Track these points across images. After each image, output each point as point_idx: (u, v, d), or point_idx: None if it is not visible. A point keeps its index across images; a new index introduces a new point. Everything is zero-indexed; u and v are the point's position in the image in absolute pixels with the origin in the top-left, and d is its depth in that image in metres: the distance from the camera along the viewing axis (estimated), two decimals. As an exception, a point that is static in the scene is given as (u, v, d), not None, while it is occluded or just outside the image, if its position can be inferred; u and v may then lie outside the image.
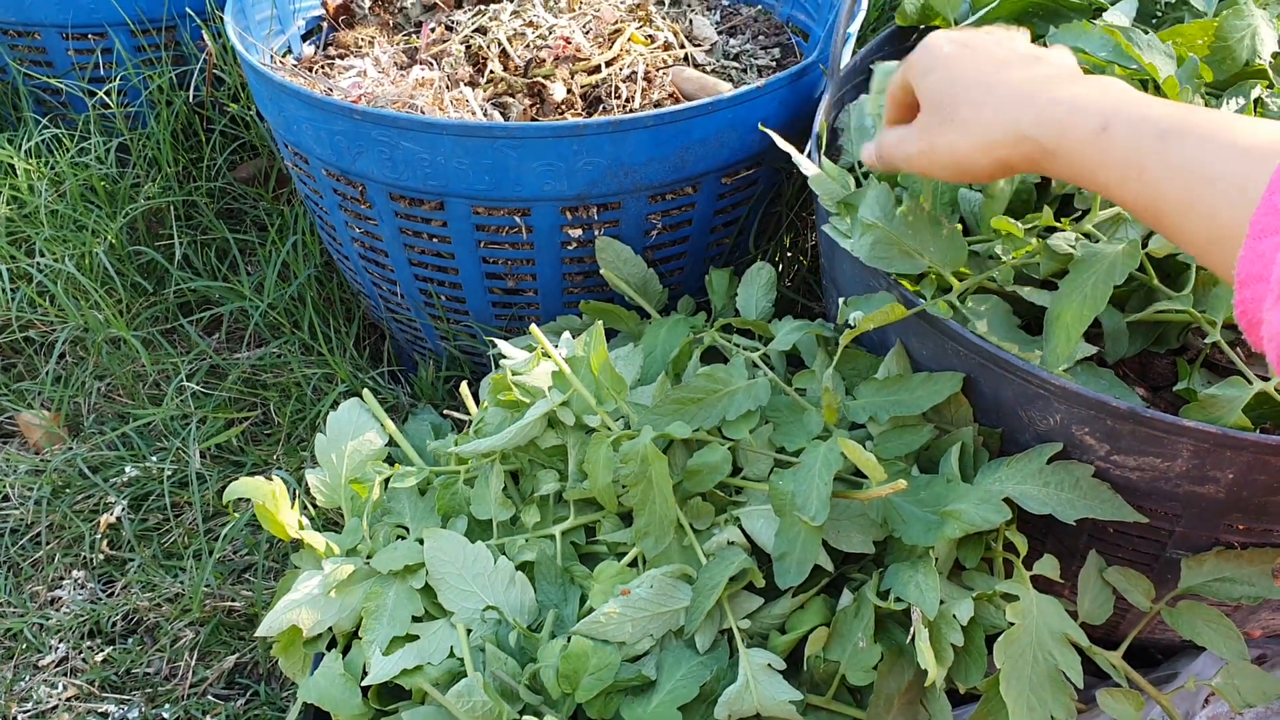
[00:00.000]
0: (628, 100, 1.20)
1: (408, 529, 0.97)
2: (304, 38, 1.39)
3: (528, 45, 1.24)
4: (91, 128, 1.58)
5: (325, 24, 1.41)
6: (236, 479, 0.94)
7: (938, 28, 1.12)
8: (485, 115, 1.18)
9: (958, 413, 0.83)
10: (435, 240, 1.15)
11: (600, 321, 0.93)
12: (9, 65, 1.64)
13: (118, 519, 1.29)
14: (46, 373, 1.45)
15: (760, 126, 1.08)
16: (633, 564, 0.88)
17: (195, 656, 1.18)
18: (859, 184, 0.95)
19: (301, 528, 0.96)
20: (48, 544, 1.30)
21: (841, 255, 0.89)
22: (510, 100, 1.20)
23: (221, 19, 1.34)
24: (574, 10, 1.30)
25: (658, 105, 1.20)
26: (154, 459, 1.35)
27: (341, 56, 1.34)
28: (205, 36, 1.54)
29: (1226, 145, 0.55)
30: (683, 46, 1.31)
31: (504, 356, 0.98)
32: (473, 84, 1.23)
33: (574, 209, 1.10)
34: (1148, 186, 0.58)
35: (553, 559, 0.90)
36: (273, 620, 0.89)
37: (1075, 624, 0.78)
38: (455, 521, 0.95)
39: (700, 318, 1.09)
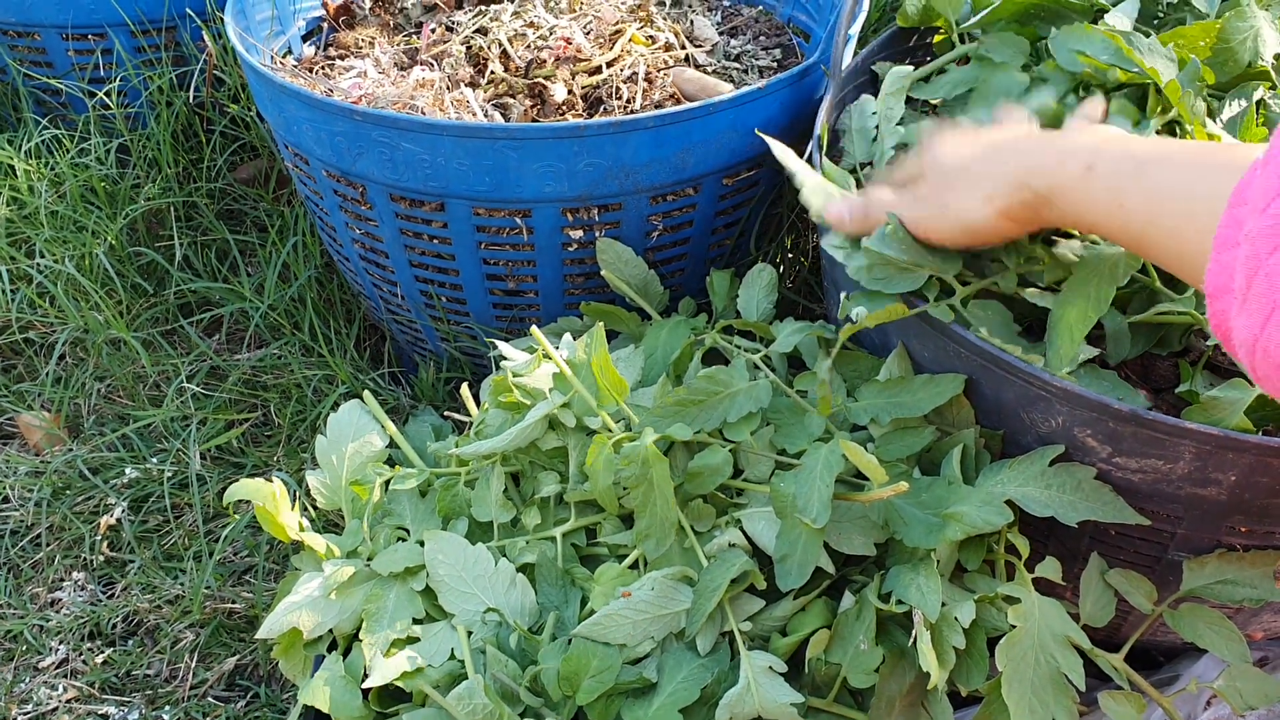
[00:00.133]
0: (629, 101, 1.20)
1: (408, 531, 0.97)
2: (304, 38, 1.39)
3: (528, 46, 1.24)
4: (91, 128, 1.58)
5: (325, 25, 1.41)
6: (237, 480, 0.94)
7: (939, 29, 1.12)
8: (486, 116, 1.18)
9: (959, 415, 0.82)
10: (436, 241, 1.15)
11: (601, 323, 0.92)
12: (9, 66, 1.64)
13: (118, 520, 1.29)
14: (46, 374, 1.45)
15: (757, 132, 1.07)
16: (634, 566, 0.88)
17: (195, 658, 1.18)
18: (859, 186, 0.95)
19: (302, 529, 0.96)
20: (48, 545, 1.30)
21: (843, 257, 0.89)
22: (511, 101, 1.20)
23: (222, 19, 1.34)
24: (575, 11, 1.30)
25: (659, 106, 1.20)
26: (154, 460, 1.35)
27: (342, 57, 1.34)
28: (205, 37, 1.54)
29: (1197, 166, 0.59)
30: (684, 47, 1.31)
31: (505, 358, 0.98)
32: (473, 85, 1.23)
33: (575, 210, 1.10)
34: (1129, 215, 0.62)
35: (554, 561, 0.90)
36: (273, 622, 0.89)
37: (1077, 626, 0.78)
38: (456, 523, 0.95)
39: (701, 319, 1.09)
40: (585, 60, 1.22)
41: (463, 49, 1.26)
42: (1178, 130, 0.87)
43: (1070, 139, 0.70)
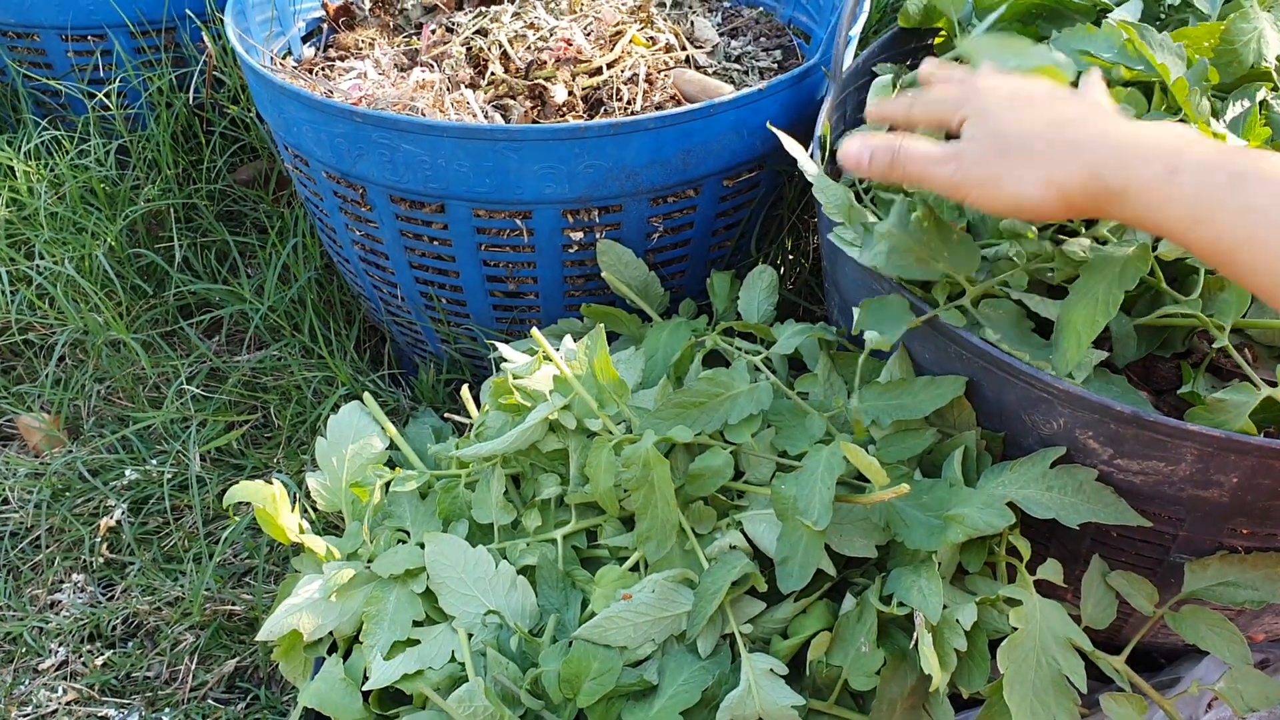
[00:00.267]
0: (629, 102, 1.20)
1: (408, 533, 0.97)
2: (304, 39, 1.39)
3: (529, 47, 1.24)
4: (91, 130, 1.58)
5: (325, 26, 1.41)
6: (237, 482, 0.94)
7: (940, 30, 1.12)
8: (486, 117, 1.18)
9: (961, 417, 0.82)
10: (436, 243, 1.15)
11: (601, 324, 0.92)
12: (8, 67, 1.64)
13: (118, 522, 1.29)
14: (46, 375, 1.44)
15: (769, 125, 1.07)
16: (634, 568, 0.88)
17: (195, 660, 1.18)
18: (859, 199, 0.95)
19: (302, 531, 0.96)
20: (47, 547, 1.30)
21: (844, 259, 0.89)
22: (511, 102, 1.20)
23: (221, 21, 1.34)
24: (575, 12, 1.30)
25: (659, 107, 1.20)
26: (154, 462, 1.35)
27: (342, 58, 1.34)
28: (205, 38, 1.54)
29: None
30: (684, 48, 1.31)
31: (505, 360, 0.97)
32: (473, 86, 1.22)
33: (575, 211, 1.10)
34: (1219, 231, 0.59)
35: (554, 563, 0.89)
36: (273, 624, 0.89)
37: (1078, 628, 0.78)
38: (456, 525, 0.95)
39: (702, 321, 1.09)
40: (586, 61, 1.22)
41: (463, 50, 1.26)
42: None
43: (1150, 134, 0.64)
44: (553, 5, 1.32)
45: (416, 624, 0.88)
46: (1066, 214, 0.67)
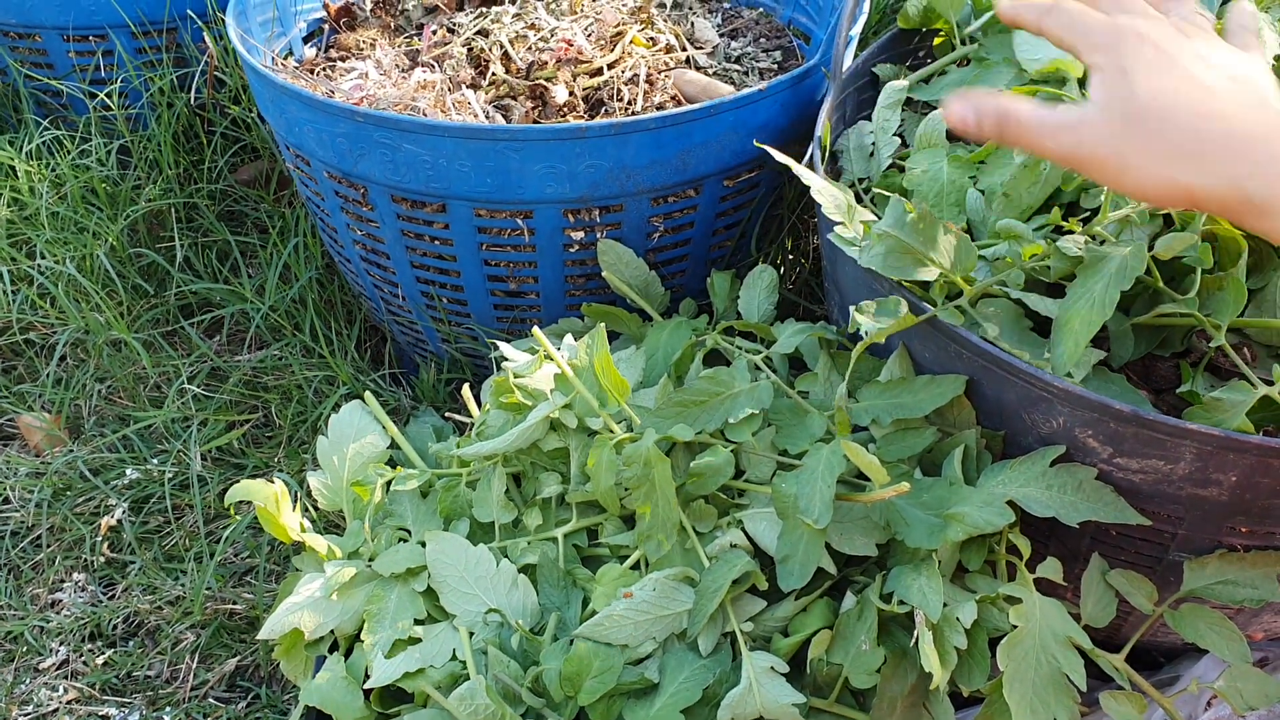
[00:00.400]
0: (630, 103, 1.20)
1: (409, 532, 0.97)
2: (305, 40, 1.39)
3: (530, 47, 1.24)
4: (92, 130, 1.58)
5: (327, 26, 1.41)
6: (238, 481, 0.94)
7: (939, 31, 1.13)
8: (487, 117, 1.18)
9: (960, 415, 0.83)
10: (437, 243, 1.15)
11: (602, 324, 0.93)
12: (10, 67, 1.64)
13: (118, 521, 1.29)
14: (47, 375, 1.45)
15: (756, 144, 1.08)
16: (635, 567, 0.88)
17: (196, 659, 1.18)
18: (859, 200, 0.95)
19: (303, 530, 0.96)
20: (48, 546, 1.30)
21: (844, 259, 0.89)
22: (512, 102, 1.20)
23: (223, 21, 1.34)
24: (576, 13, 1.30)
25: (660, 108, 1.20)
26: (155, 461, 1.35)
27: (343, 59, 1.34)
28: (206, 38, 1.54)
29: None
30: (684, 49, 1.31)
31: (506, 359, 0.98)
32: (475, 86, 1.23)
33: (576, 211, 1.10)
34: None
35: (555, 562, 0.90)
36: (274, 623, 0.89)
37: (1078, 627, 0.78)
38: (457, 524, 0.95)
39: (702, 320, 1.09)
40: (586, 62, 1.22)
41: (464, 50, 1.26)
42: None
43: None
44: (554, 6, 1.32)
45: (418, 622, 0.88)
46: (1188, 209, 0.62)
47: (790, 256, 1.41)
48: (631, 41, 1.26)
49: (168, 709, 1.14)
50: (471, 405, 1.05)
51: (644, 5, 1.32)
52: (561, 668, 0.81)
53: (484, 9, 1.34)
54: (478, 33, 1.28)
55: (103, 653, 1.19)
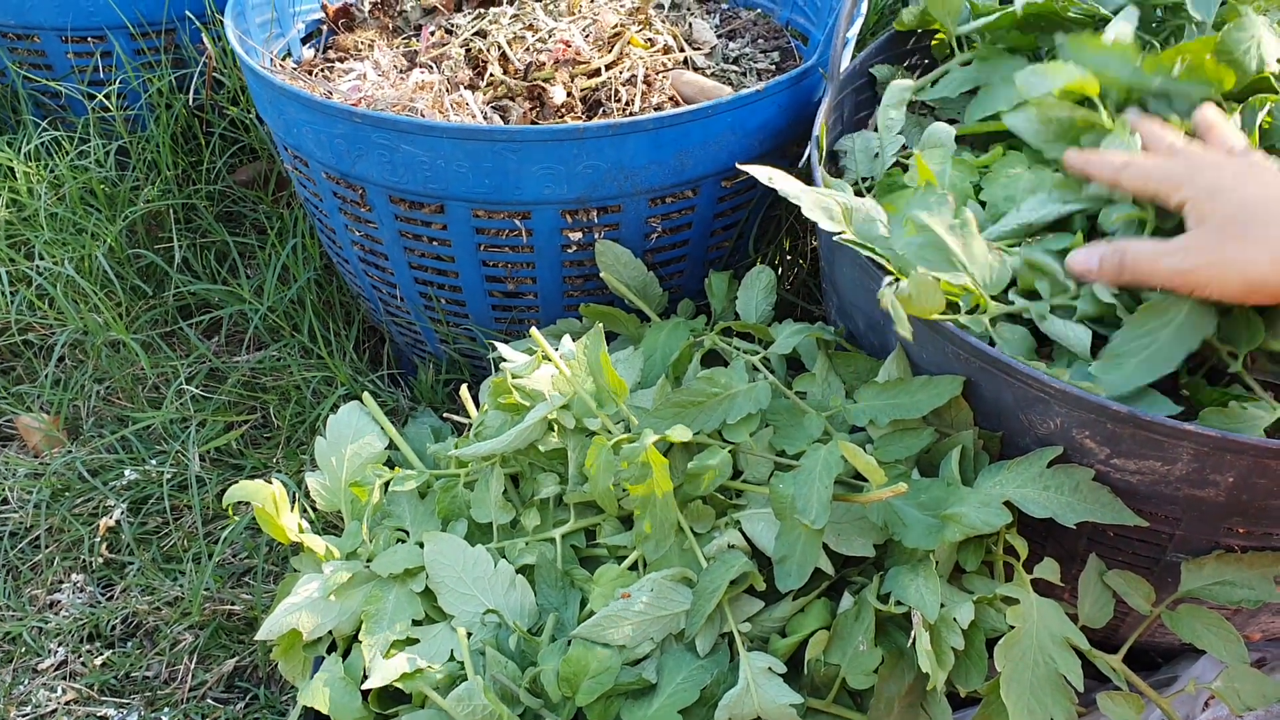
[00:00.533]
0: (627, 103, 1.20)
1: (408, 532, 0.97)
2: (303, 41, 1.39)
3: (527, 48, 1.24)
4: (91, 131, 1.58)
5: (325, 27, 1.41)
6: (236, 482, 0.94)
7: (936, 32, 1.13)
8: (485, 118, 1.18)
9: (958, 416, 0.83)
10: (435, 243, 1.15)
11: (600, 324, 0.93)
12: (8, 68, 1.64)
13: (117, 522, 1.29)
14: (45, 376, 1.45)
15: (738, 165, 1.07)
16: (633, 567, 0.88)
17: (195, 660, 1.18)
18: (860, 196, 0.95)
19: (301, 531, 0.96)
20: (47, 547, 1.30)
21: (842, 259, 0.89)
22: (510, 103, 1.20)
23: (221, 22, 1.34)
24: (574, 13, 1.30)
25: (658, 109, 1.20)
26: (153, 462, 1.35)
27: (341, 60, 1.34)
28: (205, 39, 1.54)
29: None
30: (682, 50, 1.31)
31: (504, 359, 0.98)
32: (473, 87, 1.23)
33: (574, 212, 1.10)
34: None
35: (553, 562, 0.90)
36: (273, 624, 0.89)
37: (1075, 627, 0.79)
38: (455, 525, 0.95)
39: (700, 321, 1.09)
40: (584, 63, 1.22)
41: (462, 51, 1.26)
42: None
43: None
44: (551, 7, 1.32)
45: (416, 623, 0.88)
46: None
47: (788, 257, 1.41)
48: (629, 42, 1.26)
49: (166, 710, 1.14)
50: (470, 406, 1.05)
51: (642, 6, 1.32)
52: (559, 668, 0.81)
53: (482, 10, 1.34)
54: (476, 34, 1.29)
55: (101, 653, 1.19)
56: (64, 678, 1.18)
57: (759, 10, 1.47)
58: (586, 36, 1.26)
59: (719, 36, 1.38)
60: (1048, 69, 0.87)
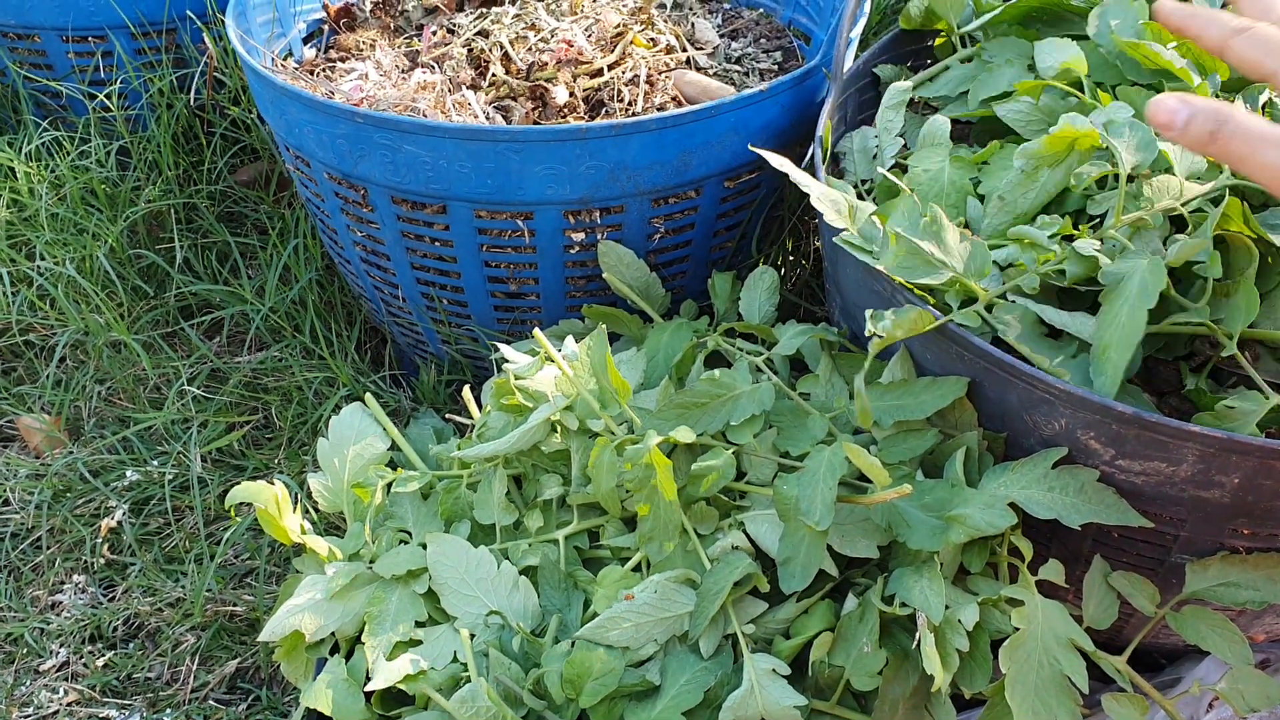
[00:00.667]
0: (630, 103, 1.20)
1: (410, 533, 0.97)
2: (305, 41, 1.39)
3: (530, 48, 1.24)
4: (92, 131, 1.58)
5: (326, 27, 1.41)
6: (238, 483, 0.94)
7: (940, 32, 1.13)
8: (487, 118, 1.18)
9: (962, 417, 0.82)
10: (437, 244, 1.15)
11: (603, 325, 0.93)
12: (9, 68, 1.64)
13: (118, 523, 1.29)
14: (47, 376, 1.44)
15: (751, 147, 1.07)
16: (636, 569, 0.88)
17: (197, 661, 1.18)
18: (861, 199, 0.95)
19: (304, 532, 0.96)
20: (48, 548, 1.30)
21: (845, 260, 0.89)
22: (512, 103, 1.20)
23: (222, 22, 1.34)
24: (576, 13, 1.30)
25: (660, 109, 1.20)
26: (155, 463, 1.35)
27: (343, 59, 1.34)
28: (206, 39, 1.54)
29: None
30: (685, 50, 1.31)
31: (506, 360, 0.97)
32: (475, 87, 1.23)
33: (576, 212, 1.10)
34: None
35: (556, 564, 0.90)
36: (275, 625, 0.89)
37: (1080, 629, 0.78)
38: (458, 526, 0.95)
39: (703, 322, 1.09)
40: (587, 63, 1.22)
41: (464, 51, 1.26)
42: None
43: None
44: (554, 6, 1.32)
45: (418, 624, 0.88)
46: None
47: (791, 258, 1.41)
48: (632, 42, 1.26)
49: (168, 711, 1.14)
50: (472, 407, 1.05)
51: (644, 6, 1.32)
52: (563, 670, 0.81)
53: (484, 9, 1.34)
54: (478, 33, 1.28)
55: (103, 654, 1.19)
56: (66, 679, 1.18)
57: (761, 10, 1.47)
58: (589, 36, 1.25)
59: (721, 36, 1.38)
60: (1061, 44, 0.87)
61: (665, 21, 1.34)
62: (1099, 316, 0.75)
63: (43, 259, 1.47)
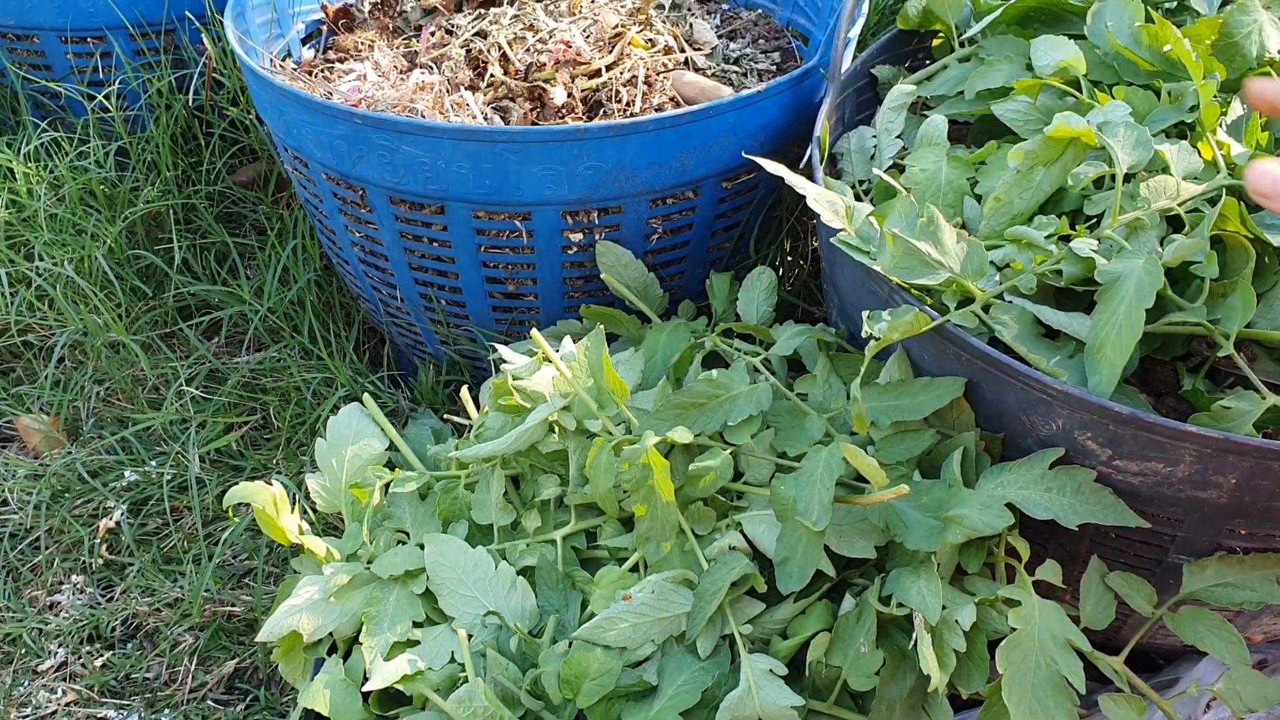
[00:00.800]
0: (628, 104, 1.20)
1: (408, 534, 0.97)
2: (303, 41, 1.39)
3: (528, 49, 1.24)
4: (90, 131, 1.58)
5: (325, 28, 1.41)
6: (236, 484, 0.94)
7: (938, 32, 1.13)
8: (486, 119, 1.18)
9: (960, 418, 0.82)
10: (435, 244, 1.15)
11: (601, 326, 0.93)
12: (8, 69, 1.64)
13: (117, 523, 1.29)
14: (45, 377, 1.44)
15: (745, 155, 1.08)
16: (634, 569, 0.88)
17: (195, 661, 1.18)
18: (859, 199, 0.95)
19: (301, 533, 0.96)
20: (47, 549, 1.30)
21: (843, 261, 0.89)
22: (511, 104, 1.20)
23: (221, 22, 1.34)
24: (574, 14, 1.30)
25: (658, 109, 1.20)
26: (153, 463, 1.35)
27: (341, 60, 1.34)
28: (205, 40, 1.54)
29: None
30: (683, 50, 1.31)
31: (504, 361, 0.98)
32: (473, 88, 1.23)
33: (574, 213, 1.10)
34: None
35: (554, 564, 0.90)
36: (273, 625, 0.89)
37: (1077, 629, 0.78)
38: (456, 526, 0.95)
39: (701, 322, 1.09)
40: (585, 63, 1.22)
41: (462, 52, 1.26)
42: (1187, 133, 0.87)
43: None
44: (552, 7, 1.32)
45: (416, 625, 0.88)
46: None
47: (789, 258, 1.41)
48: (630, 43, 1.26)
49: (166, 711, 1.14)
50: (470, 407, 1.05)
51: (642, 6, 1.32)
52: (560, 670, 0.81)
53: (482, 10, 1.34)
54: (476, 34, 1.28)
55: (101, 655, 1.19)
56: (64, 679, 1.17)
57: (760, 11, 1.47)
58: (587, 37, 1.25)
59: (720, 37, 1.38)
60: (1057, 41, 0.87)
61: (663, 22, 1.34)
62: (1094, 315, 0.75)
63: (41, 259, 1.47)
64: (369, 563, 0.93)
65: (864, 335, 0.77)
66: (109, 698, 1.16)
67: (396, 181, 1.08)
